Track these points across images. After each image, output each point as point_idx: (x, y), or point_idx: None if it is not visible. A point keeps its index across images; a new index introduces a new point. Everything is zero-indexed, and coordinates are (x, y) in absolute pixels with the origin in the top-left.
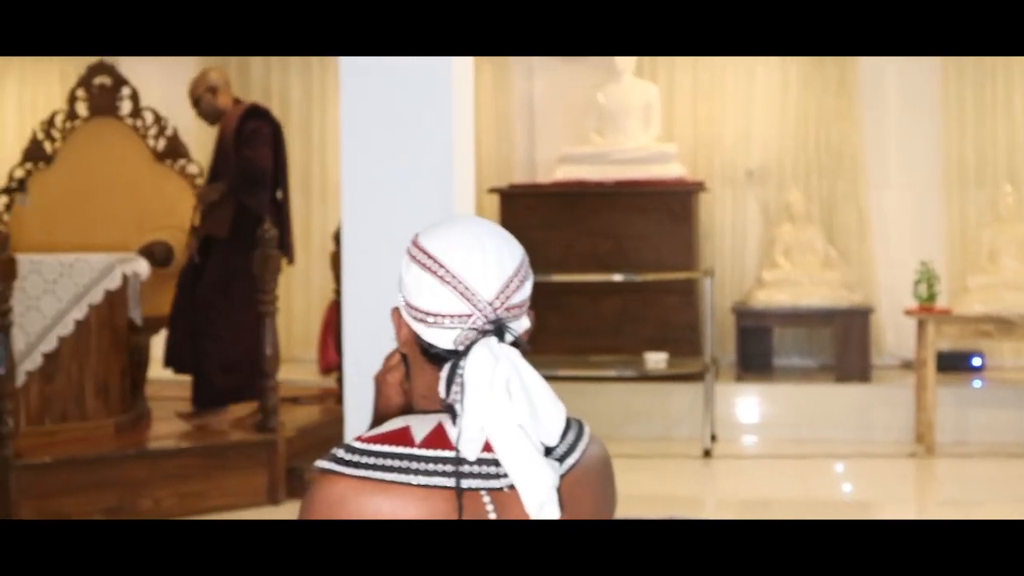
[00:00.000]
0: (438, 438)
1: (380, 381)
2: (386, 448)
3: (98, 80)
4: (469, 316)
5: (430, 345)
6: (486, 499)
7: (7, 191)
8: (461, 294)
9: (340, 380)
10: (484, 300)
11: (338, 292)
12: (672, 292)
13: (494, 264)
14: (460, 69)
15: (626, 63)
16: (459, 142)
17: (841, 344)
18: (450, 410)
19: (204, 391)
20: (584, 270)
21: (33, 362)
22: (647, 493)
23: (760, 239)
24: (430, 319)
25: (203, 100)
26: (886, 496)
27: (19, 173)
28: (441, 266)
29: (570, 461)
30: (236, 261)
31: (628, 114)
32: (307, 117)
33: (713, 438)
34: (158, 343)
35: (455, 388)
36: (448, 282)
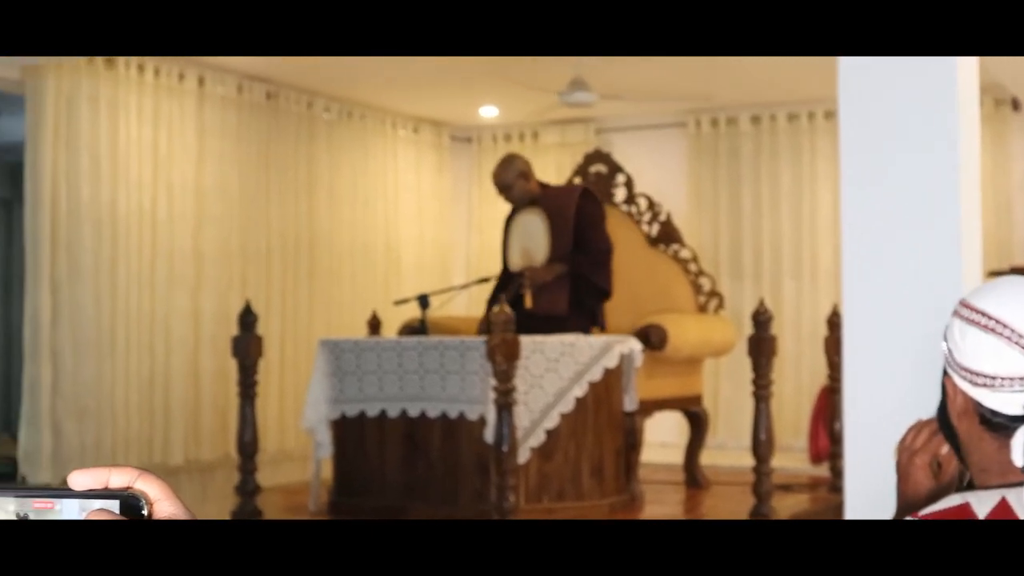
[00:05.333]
0: (1004, 513)
1: (906, 464)
2: None
3: (594, 168)
4: None
5: (994, 412)
6: None
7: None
8: None
9: (834, 468)
10: None
11: (832, 377)
12: None
13: None
14: (966, 146)
15: None
16: (966, 222)
17: None
18: None
19: None
20: None
21: (537, 438)
22: None
23: None
24: (995, 383)
25: (516, 186)
26: None
27: None
28: (1006, 326)
29: None
30: None
31: None
32: (797, 201)
33: None
34: (651, 426)
35: None
36: (1016, 342)
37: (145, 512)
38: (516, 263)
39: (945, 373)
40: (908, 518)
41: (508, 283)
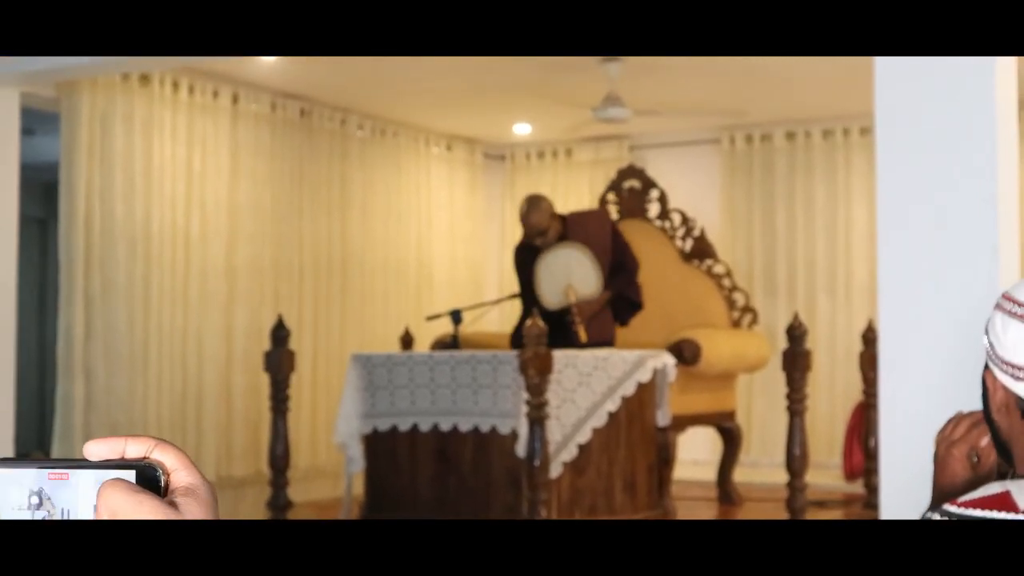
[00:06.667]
0: None
1: (943, 455)
2: (986, 514)
3: (628, 184)
4: None
5: None
6: None
7: None
8: None
9: (868, 485)
10: None
11: (867, 393)
12: None
13: None
14: (1004, 150)
15: None
16: (1004, 234)
17: None
18: None
19: None
20: None
21: (569, 453)
22: None
23: None
24: None
25: (552, 228)
26: None
27: None
28: None
29: None
30: None
31: None
32: (832, 218)
33: None
34: (684, 443)
35: None
36: None
37: (162, 482)
38: (555, 302)
39: (986, 367)
40: (946, 504)
41: (553, 323)
